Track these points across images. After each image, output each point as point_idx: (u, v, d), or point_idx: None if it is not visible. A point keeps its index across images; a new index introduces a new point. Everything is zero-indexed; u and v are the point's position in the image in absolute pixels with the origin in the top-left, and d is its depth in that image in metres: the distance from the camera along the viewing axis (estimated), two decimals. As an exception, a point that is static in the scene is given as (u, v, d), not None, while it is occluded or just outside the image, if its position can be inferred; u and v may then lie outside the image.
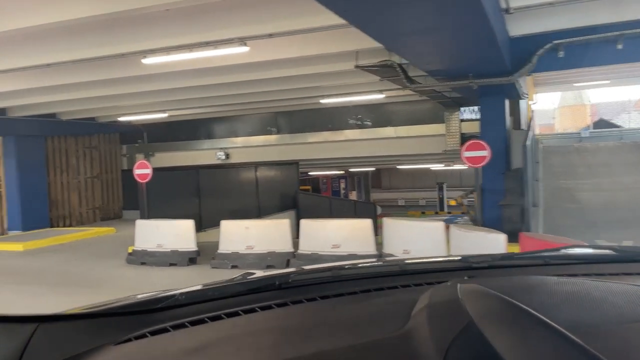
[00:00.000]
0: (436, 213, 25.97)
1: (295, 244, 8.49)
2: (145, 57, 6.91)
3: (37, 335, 0.88)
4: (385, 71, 8.25)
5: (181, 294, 1.09)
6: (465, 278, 1.14)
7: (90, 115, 14.84)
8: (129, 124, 16.80)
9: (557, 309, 0.82)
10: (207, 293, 1.14)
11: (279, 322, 1.01)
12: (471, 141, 7.99)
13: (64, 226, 14.93)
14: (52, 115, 14.19)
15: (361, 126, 15.84)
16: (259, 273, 1.31)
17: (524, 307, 0.79)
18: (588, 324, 0.77)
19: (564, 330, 0.69)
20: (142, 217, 9.61)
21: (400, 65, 7.83)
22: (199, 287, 1.17)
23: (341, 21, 6.27)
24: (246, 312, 1.02)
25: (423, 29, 5.15)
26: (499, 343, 0.68)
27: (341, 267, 1.36)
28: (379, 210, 23.22)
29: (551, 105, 25.06)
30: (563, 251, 1.47)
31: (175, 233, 8.82)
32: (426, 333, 0.80)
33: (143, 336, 0.93)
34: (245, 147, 16.71)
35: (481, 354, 0.69)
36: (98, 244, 11.81)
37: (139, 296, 1.13)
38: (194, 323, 0.97)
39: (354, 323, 0.96)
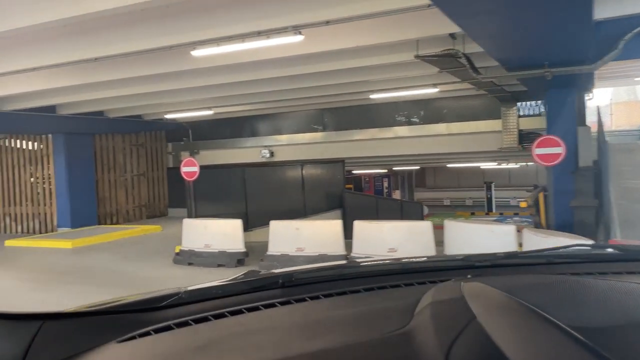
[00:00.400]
0: (487, 214, 24.91)
1: (347, 246, 8.03)
2: (195, 48, 6.58)
3: (42, 333, 0.89)
4: (446, 61, 7.65)
5: (185, 292, 1.09)
6: (469, 277, 1.14)
7: (136, 112, 14.83)
8: (174, 122, 16.77)
9: (561, 308, 0.82)
10: (211, 291, 1.13)
11: (283, 320, 1.01)
12: (543, 137, 7.28)
13: (111, 224, 14.99)
14: (100, 113, 14.24)
15: (410, 123, 15.21)
16: (263, 272, 1.34)
17: (528, 305, 0.80)
18: (591, 322, 0.76)
19: (568, 328, 0.70)
20: (189, 215, 9.37)
21: (465, 54, 7.21)
22: (202, 285, 1.17)
23: (403, 4, 5.78)
24: (250, 310, 1.02)
25: (510, 3, 4.55)
26: (503, 341, 0.69)
27: (344, 266, 1.40)
28: (426, 211, 22.48)
29: (603, 101, 23.61)
30: (566, 250, 1.47)
31: (223, 233, 8.51)
32: (430, 331, 0.81)
33: (147, 334, 0.93)
34: (290, 145, 16.36)
35: (485, 352, 0.69)
36: (145, 243, 11.68)
37: (144, 294, 1.12)
38: (197, 321, 0.97)
39: (358, 321, 0.96)
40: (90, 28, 6.75)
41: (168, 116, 14.38)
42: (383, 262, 1.54)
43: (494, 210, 26.65)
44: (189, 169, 9.20)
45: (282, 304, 1.06)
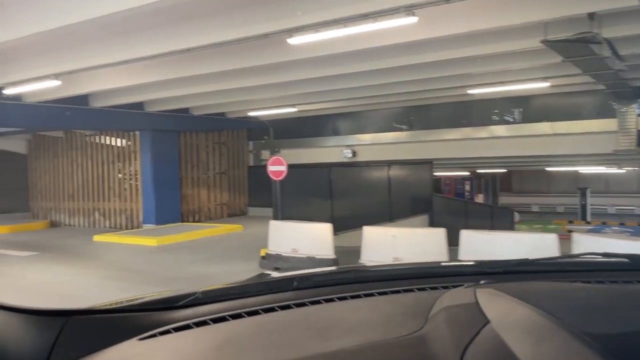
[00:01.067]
0: (587, 222, 22.73)
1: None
2: (291, 36, 5.98)
3: (67, 329, 0.92)
4: (576, 48, 6.53)
5: (202, 292, 1.11)
6: (481, 282, 1.14)
7: (220, 110, 14.70)
8: (256, 120, 16.55)
9: (574, 314, 0.82)
10: (228, 292, 1.17)
11: (298, 321, 1.03)
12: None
13: (194, 221, 14.95)
14: (185, 110, 14.22)
15: (508, 122, 13.92)
16: (274, 274, 1.41)
17: (542, 311, 0.81)
18: (604, 328, 0.76)
19: (582, 334, 0.71)
20: (275, 217, 8.84)
21: (606, 39, 6.09)
22: (220, 286, 1.20)
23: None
24: (266, 311, 1.04)
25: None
26: (517, 347, 0.69)
27: (358, 270, 1.51)
28: (517, 217, 20.81)
29: None
30: (578, 258, 1.51)
31: (311, 237, 7.89)
32: (443, 335, 0.81)
33: (167, 332, 0.95)
34: (373, 145, 15.60)
35: (499, 356, 0.69)
36: (228, 243, 11.37)
37: (163, 293, 1.15)
38: (215, 320, 1.00)
39: (372, 324, 0.98)
40: (183, 16, 6.36)
41: (252, 113, 14.07)
42: (396, 267, 1.57)
43: (588, 219, 24.31)
44: (276, 167, 8.68)
45: (298, 305, 1.07)
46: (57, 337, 0.91)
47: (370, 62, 8.36)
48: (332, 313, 1.06)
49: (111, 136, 14.64)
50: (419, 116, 15.12)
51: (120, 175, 14.60)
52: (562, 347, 0.70)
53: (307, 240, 7.91)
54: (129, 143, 14.28)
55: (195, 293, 1.10)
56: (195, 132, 15.36)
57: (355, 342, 0.85)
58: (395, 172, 12.82)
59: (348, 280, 1.26)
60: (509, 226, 19.61)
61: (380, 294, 1.14)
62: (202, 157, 15.66)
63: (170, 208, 14.02)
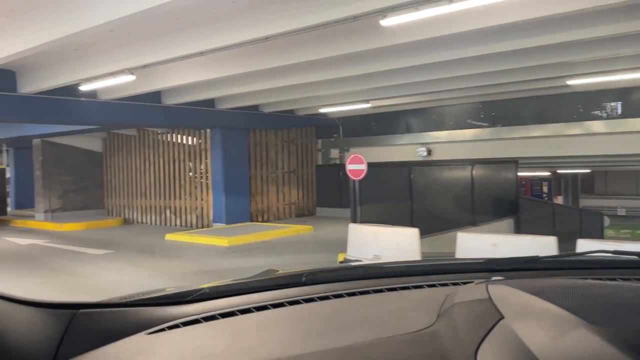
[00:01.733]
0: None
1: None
2: (385, 17, 5.29)
3: (76, 321, 0.94)
4: None
5: (211, 287, 1.12)
6: (492, 279, 1.13)
7: (290, 107, 14.25)
8: (324, 117, 16.00)
9: (587, 309, 0.80)
10: (237, 287, 1.16)
11: (307, 316, 1.02)
12: None
13: (262, 221, 14.62)
14: (255, 107, 13.89)
15: (606, 116, 12.51)
16: (280, 270, 1.41)
17: (556, 306, 0.79)
18: (622, 325, 0.75)
19: (598, 329, 0.70)
20: (353, 219, 8.19)
21: None
22: (227, 282, 1.22)
23: None
24: (275, 306, 1.04)
25: None
26: (533, 342, 0.68)
27: (366, 266, 1.46)
28: (607, 222, 19.03)
29: None
30: (589, 256, 1.48)
31: (396, 243, 7.17)
32: (457, 330, 0.80)
33: (176, 326, 0.96)
34: (450, 143, 14.58)
35: (515, 351, 0.68)
36: (301, 245, 10.85)
37: (172, 288, 1.16)
38: (224, 315, 1.00)
39: (381, 319, 0.97)
40: (263, 1, 5.85)
41: (323, 110, 13.51)
42: (405, 263, 1.54)
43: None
44: (356, 166, 8.03)
45: (306, 301, 1.07)
46: (66, 330, 0.91)
47: (467, 48, 7.51)
48: (341, 309, 1.06)
49: (182, 134, 14.57)
50: (502, 111, 13.95)
51: (190, 174, 14.51)
52: (580, 343, 0.68)
53: (390, 245, 7.19)
54: (200, 141, 14.14)
55: (203, 288, 1.11)
56: (264, 129, 15.03)
57: (365, 338, 0.85)
58: (478, 171, 11.82)
59: (356, 276, 1.26)
60: (598, 231, 17.96)
61: (389, 289, 1.13)
62: (271, 155, 15.31)
63: (240, 207, 13.75)
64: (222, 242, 10.82)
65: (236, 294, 1.11)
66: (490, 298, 0.88)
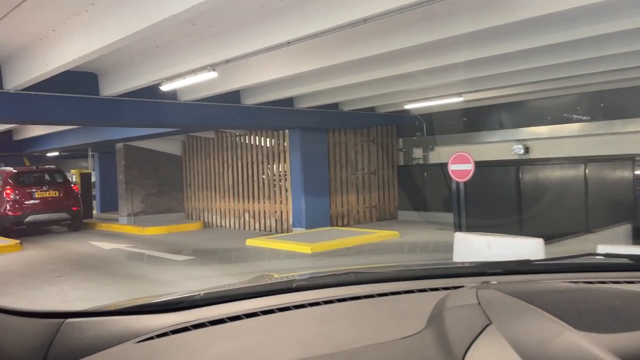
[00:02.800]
0: None
1: None
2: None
3: (64, 330, 0.92)
4: None
5: (202, 294, 1.11)
6: (483, 283, 1.13)
7: (370, 104, 13.40)
8: (406, 115, 14.99)
9: (575, 313, 0.81)
10: (227, 294, 1.16)
11: (297, 322, 1.02)
12: None
13: (342, 225, 13.86)
14: (335, 105, 13.17)
15: None
16: (276, 275, 1.39)
17: (543, 311, 0.81)
18: (606, 328, 0.76)
19: (583, 334, 0.72)
20: (457, 227, 7.19)
21: None
22: (219, 288, 1.20)
23: None
24: (265, 312, 1.04)
25: None
26: (519, 347, 0.69)
27: (358, 272, 1.40)
28: None
29: None
30: (579, 259, 1.46)
31: (517, 255, 6.08)
32: (445, 335, 0.80)
33: (165, 334, 0.95)
34: (552, 139, 13.07)
35: (501, 357, 0.69)
36: (389, 253, 9.95)
37: (163, 295, 1.15)
38: (213, 323, 0.99)
39: (371, 324, 0.97)
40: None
41: (408, 106, 12.52)
42: (397, 268, 1.54)
43: None
44: (460, 166, 7.03)
45: (297, 307, 1.06)
46: (53, 339, 0.90)
47: (577, 28, 6.31)
48: (331, 315, 1.05)
49: (260, 135, 14.14)
50: (614, 102, 12.29)
51: (264, 176, 14.04)
52: (566, 348, 0.68)
53: (509, 258, 6.11)
54: (278, 142, 13.61)
55: (194, 296, 1.10)
56: (343, 129, 14.27)
57: (355, 344, 0.84)
58: (591, 171, 10.35)
59: (347, 282, 1.26)
60: None
61: (380, 295, 1.12)
62: (350, 156, 14.52)
63: (320, 211, 13.07)
64: (304, 248, 10.15)
65: (227, 301, 1.10)
66: (479, 303, 0.88)
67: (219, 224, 15.19)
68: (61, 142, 16.30)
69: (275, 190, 13.74)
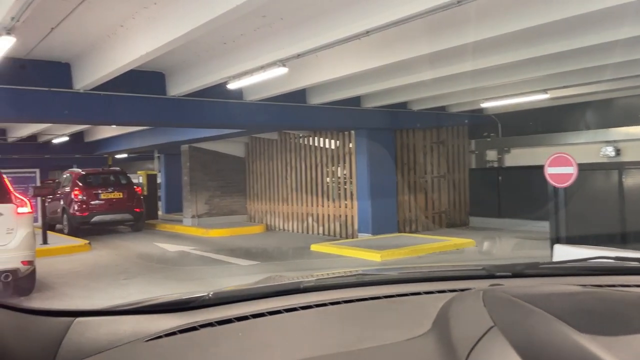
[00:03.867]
0: None
1: None
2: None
3: (74, 329, 0.93)
4: None
5: (211, 294, 1.12)
6: (489, 286, 1.12)
7: (441, 103, 12.59)
8: (480, 114, 14.03)
9: (582, 317, 0.80)
10: (235, 294, 1.18)
11: (303, 323, 1.04)
12: None
13: (409, 232, 13.11)
14: (403, 105, 12.47)
15: None
16: (284, 276, 1.39)
17: (548, 314, 0.79)
18: (612, 332, 0.74)
19: (588, 337, 0.70)
20: (555, 237, 6.33)
21: None
22: (228, 289, 1.23)
23: None
24: (271, 313, 1.04)
25: None
26: (522, 349, 0.69)
27: (365, 274, 1.43)
28: None
29: None
30: (589, 262, 1.45)
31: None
32: (449, 337, 0.81)
33: (173, 334, 0.96)
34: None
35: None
36: (465, 263, 9.13)
37: (173, 295, 1.16)
38: (221, 323, 1.00)
39: (377, 326, 0.98)
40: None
41: (485, 104, 11.61)
42: (403, 270, 1.54)
43: None
44: (560, 169, 6.17)
45: (304, 308, 1.07)
46: (64, 337, 0.90)
47: None
48: (337, 316, 1.06)
49: (324, 137, 13.65)
50: None
51: (328, 179, 13.54)
52: (570, 352, 0.68)
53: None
54: (343, 144, 13.06)
55: (202, 296, 1.10)
56: (411, 130, 13.52)
57: (360, 345, 0.85)
58: None
59: (355, 284, 1.26)
60: None
61: (386, 297, 1.12)
62: (419, 158, 13.74)
63: (387, 216, 12.39)
64: (373, 256, 9.54)
65: (237, 301, 1.11)
66: (484, 305, 0.87)
67: (281, 227, 14.85)
68: (129, 143, 16.58)
69: (339, 194, 13.20)
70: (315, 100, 10.96)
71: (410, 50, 7.28)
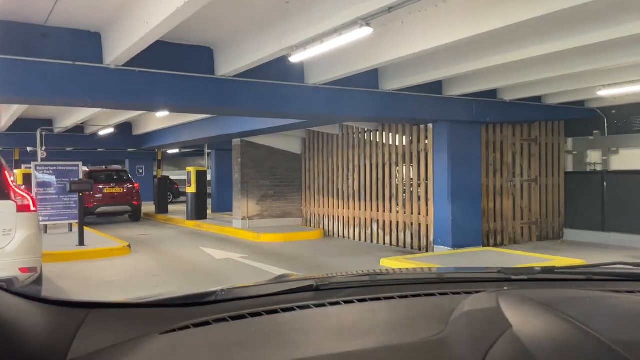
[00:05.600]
0: None
1: None
2: None
3: (89, 320, 0.94)
4: None
5: (224, 290, 1.12)
6: (505, 289, 1.11)
7: (540, 92, 10.44)
8: (580, 107, 11.75)
9: (599, 321, 0.79)
10: (248, 291, 1.17)
11: (317, 321, 1.03)
12: None
13: (494, 245, 11.03)
14: (492, 93, 10.43)
15: None
16: (295, 275, 1.38)
17: (566, 316, 0.78)
18: (630, 338, 0.74)
19: (606, 341, 0.68)
20: None
21: None
22: (240, 285, 1.21)
23: None
24: (285, 310, 1.04)
25: None
26: (539, 351, 0.69)
27: (378, 273, 1.42)
28: None
29: None
30: (607, 267, 1.42)
31: None
32: (465, 338, 0.80)
33: (186, 327, 0.96)
34: None
35: None
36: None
37: (186, 290, 1.15)
38: (234, 318, 1.00)
39: (391, 326, 0.97)
40: None
41: (602, 93, 9.35)
42: (418, 271, 1.59)
43: None
44: None
45: (317, 306, 1.07)
46: (79, 329, 0.91)
47: None
48: (351, 314, 1.05)
49: (395, 131, 11.77)
50: None
51: (398, 181, 11.64)
52: (588, 356, 0.67)
53: None
54: (418, 139, 11.13)
55: (216, 291, 1.10)
56: (498, 124, 11.41)
57: (374, 344, 0.84)
58: None
59: (368, 283, 1.25)
60: None
61: (400, 297, 1.12)
62: (507, 158, 11.61)
63: (469, 226, 10.37)
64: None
65: (249, 297, 1.10)
66: (499, 307, 0.87)
67: (340, 233, 13.09)
68: (177, 136, 15.38)
69: (412, 198, 11.28)
70: (389, 85, 9.14)
71: (513, 14, 5.32)
